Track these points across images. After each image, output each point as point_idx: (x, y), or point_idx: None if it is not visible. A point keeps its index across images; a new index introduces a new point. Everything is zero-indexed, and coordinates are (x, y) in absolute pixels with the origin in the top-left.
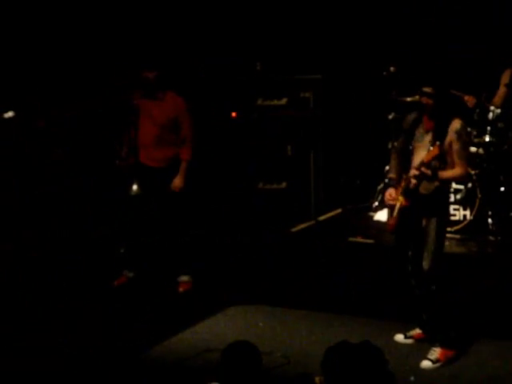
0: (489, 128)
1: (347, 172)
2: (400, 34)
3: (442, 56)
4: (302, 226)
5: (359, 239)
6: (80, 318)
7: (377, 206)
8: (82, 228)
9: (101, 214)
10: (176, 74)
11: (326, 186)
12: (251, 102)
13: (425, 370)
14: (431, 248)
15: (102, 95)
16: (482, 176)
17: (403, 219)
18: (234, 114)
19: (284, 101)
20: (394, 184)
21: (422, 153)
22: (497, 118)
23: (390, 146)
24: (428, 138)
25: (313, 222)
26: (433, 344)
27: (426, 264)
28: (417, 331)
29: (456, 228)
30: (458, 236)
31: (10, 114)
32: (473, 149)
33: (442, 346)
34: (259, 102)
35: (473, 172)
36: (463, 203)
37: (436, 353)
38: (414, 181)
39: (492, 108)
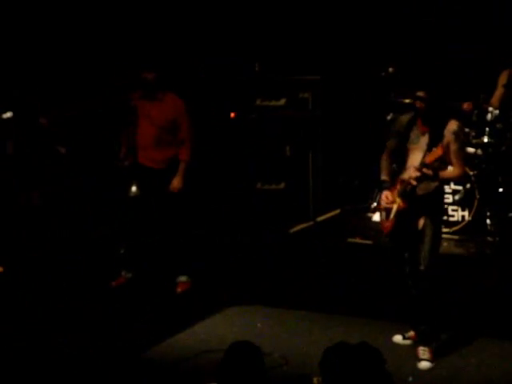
0: (487, 129)
1: (346, 172)
2: (399, 34)
3: (442, 56)
4: (301, 226)
5: (358, 240)
6: (80, 318)
7: (375, 207)
8: (81, 228)
9: (101, 214)
10: (175, 75)
11: (325, 186)
12: (250, 102)
13: (423, 371)
14: (428, 248)
15: (102, 95)
16: (480, 177)
17: (400, 221)
18: (232, 115)
19: (283, 101)
20: (389, 186)
21: (418, 154)
22: (495, 119)
23: None
24: (424, 140)
25: (311, 223)
26: (421, 344)
27: (422, 264)
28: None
29: (454, 229)
30: (456, 237)
31: (8, 114)
32: (471, 150)
33: (427, 344)
34: (258, 102)
35: (471, 173)
36: (462, 204)
37: (427, 352)
38: (414, 182)
39: (490, 109)
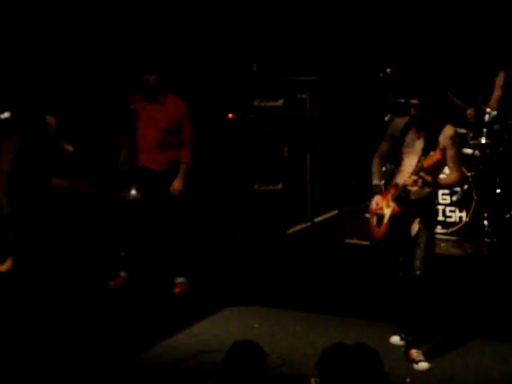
0: (485, 130)
1: (343, 173)
2: (399, 34)
3: (442, 56)
4: (298, 227)
5: (355, 241)
6: (80, 318)
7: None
8: (81, 228)
9: (101, 214)
10: (172, 75)
11: (323, 187)
12: (248, 103)
13: (420, 372)
14: (423, 251)
15: (102, 95)
16: (478, 178)
17: (394, 225)
18: (230, 115)
19: (280, 102)
20: (380, 191)
21: (413, 158)
22: (493, 120)
23: None
24: (420, 144)
25: (309, 224)
26: (413, 347)
27: (418, 267)
28: None
29: (452, 230)
30: (453, 238)
31: (5, 114)
32: (469, 151)
33: (419, 347)
34: (256, 103)
35: (469, 174)
36: (459, 205)
37: (420, 354)
38: (414, 188)
39: (488, 110)
